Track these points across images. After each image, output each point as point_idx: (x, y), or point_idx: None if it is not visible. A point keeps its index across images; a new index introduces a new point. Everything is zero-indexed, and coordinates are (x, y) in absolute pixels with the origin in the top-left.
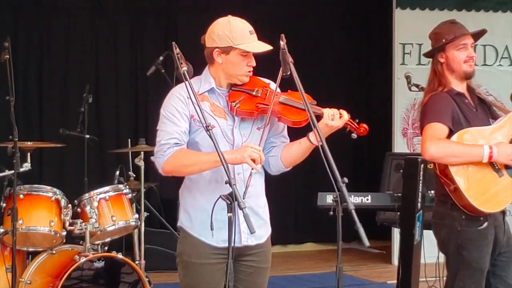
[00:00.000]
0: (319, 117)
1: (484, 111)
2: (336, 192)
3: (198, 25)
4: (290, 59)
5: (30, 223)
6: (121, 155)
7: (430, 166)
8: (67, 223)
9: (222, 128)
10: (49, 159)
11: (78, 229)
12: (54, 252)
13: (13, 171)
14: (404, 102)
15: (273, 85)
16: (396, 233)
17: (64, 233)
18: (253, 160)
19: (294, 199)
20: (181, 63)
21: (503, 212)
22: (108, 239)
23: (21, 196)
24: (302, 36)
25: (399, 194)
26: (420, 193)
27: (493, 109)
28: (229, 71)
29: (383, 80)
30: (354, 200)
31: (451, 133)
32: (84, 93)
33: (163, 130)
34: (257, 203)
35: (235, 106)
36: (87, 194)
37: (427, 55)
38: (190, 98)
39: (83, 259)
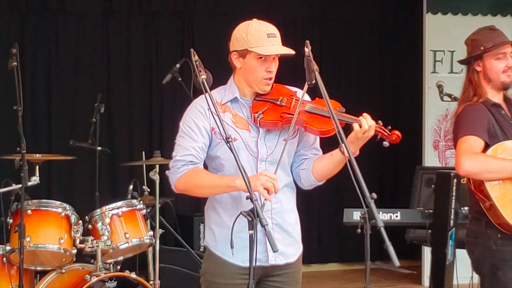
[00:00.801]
0: (348, 126)
1: None
2: (364, 208)
3: (217, 30)
4: (316, 67)
5: (38, 241)
6: (135, 168)
7: (464, 181)
8: (78, 241)
9: (244, 140)
10: (58, 172)
11: (89, 247)
12: (63, 271)
13: (20, 185)
14: (436, 112)
15: (299, 93)
16: (427, 252)
17: (74, 251)
18: (267, 190)
19: (317, 216)
20: (200, 71)
21: None
22: (120, 258)
23: (29, 211)
24: (328, 42)
25: (431, 211)
26: (453, 210)
27: None
28: (247, 77)
29: (413, 89)
30: (383, 217)
31: (486, 147)
32: (95, 102)
33: (180, 145)
34: (285, 219)
35: (258, 117)
36: (98, 210)
37: (462, 62)
38: (210, 109)
39: (94, 279)
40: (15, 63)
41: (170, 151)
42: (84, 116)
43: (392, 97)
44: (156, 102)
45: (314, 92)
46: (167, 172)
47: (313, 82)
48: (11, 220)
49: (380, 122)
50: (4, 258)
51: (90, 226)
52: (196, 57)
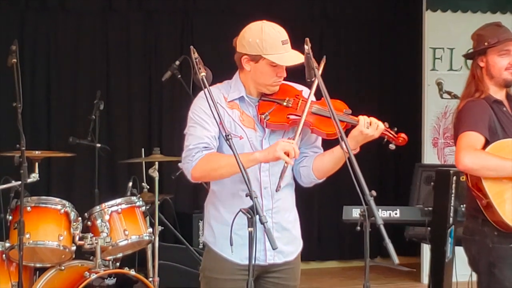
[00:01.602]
0: (354, 127)
1: None
2: (364, 206)
3: (216, 28)
4: (315, 65)
5: (37, 237)
6: (134, 166)
7: (463, 178)
8: (77, 238)
9: (250, 139)
10: (58, 169)
11: (88, 244)
12: (62, 268)
13: (20, 182)
14: (435, 110)
15: (305, 92)
16: (426, 249)
17: (74, 248)
18: (287, 154)
19: (316, 213)
20: (200, 69)
21: None
22: (120, 255)
23: (28, 208)
24: (328, 40)
25: (430, 208)
26: (452, 207)
27: None
28: (257, 80)
29: (412, 87)
30: (382, 214)
31: (487, 143)
32: (95, 99)
33: (191, 134)
34: (285, 217)
35: (265, 118)
36: (98, 207)
37: (467, 56)
38: (210, 107)
39: (93, 276)
40: (15, 60)
41: (170, 148)
42: (84, 113)
43: (392, 94)
44: (156, 99)
45: (318, 92)
46: (179, 164)
47: (313, 79)
48: (10, 217)
49: (386, 124)
50: (4, 255)
51: (89, 223)
52: (196, 55)
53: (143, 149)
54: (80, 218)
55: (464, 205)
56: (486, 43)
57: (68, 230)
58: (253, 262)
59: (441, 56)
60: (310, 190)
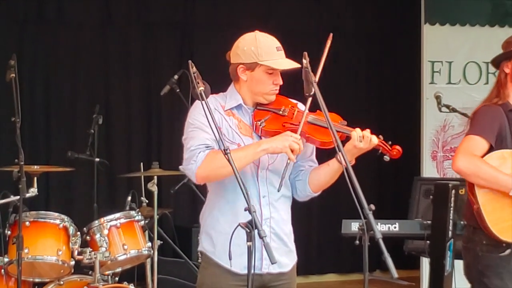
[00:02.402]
0: (348, 138)
1: None
2: (362, 219)
3: (216, 41)
4: (314, 79)
5: (36, 252)
6: (133, 180)
7: (462, 191)
8: (76, 252)
9: None
10: (56, 184)
11: (87, 259)
12: (61, 283)
13: (18, 197)
14: (434, 123)
15: (301, 105)
16: (425, 263)
17: (73, 262)
18: (292, 151)
19: (316, 227)
20: (198, 83)
21: None
22: (119, 269)
23: (27, 223)
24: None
25: (429, 222)
26: (451, 221)
27: None
28: (254, 89)
29: (411, 100)
30: (381, 228)
31: (491, 150)
32: (93, 113)
33: (192, 138)
34: (282, 229)
35: (260, 125)
36: (96, 221)
37: (493, 62)
38: (207, 119)
39: None
40: (13, 75)
41: (169, 163)
42: (82, 127)
43: (391, 107)
44: (155, 113)
45: (314, 105)
46: (181, 167)
47: (311, 93)
48: (9, 232)
49: (381, 136)
50: (2, 270)
51: (88, 237)
52: (194, 69)
53: (142, 163)
54: (79, 233)
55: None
56: None
57: (67, 245)
58: (255, 271)
59: (439, 70)
60: (309, 203)
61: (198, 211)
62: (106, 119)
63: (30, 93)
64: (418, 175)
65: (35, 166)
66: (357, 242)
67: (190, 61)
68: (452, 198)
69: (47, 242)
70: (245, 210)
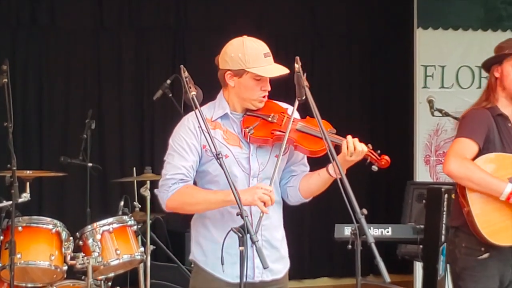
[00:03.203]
0: (338, 147)
1: None
2: (355, 224)
3: (208, 45)
4: (306, 83)
5: (29, 257)
6: (126, 185)
7: (454, 196)
8: (68, 257)
9: (236, 157)
10: (49, 189)
11: (80, 264)
12: None
13: (11, 202)
14: (427, 127)
15: (291, 111)
16: (418, 267)
17: (65, 267)
18: (264, 203)
19: (308, 231)
20: (190, 88)
21: None
22: (111, 274)
23: (20, 228)
24: (319, 57)
25: (422, 226)
26: (444, 225)
27: None
28: (242, 95)
29: (404, 104)
30: (374, 232)
31: (480, 153)
32: (86, 118)
33: (169, 163)
34: (274, 236)
35: (249, 132)
36: (89, 226)
37: (484, 66)
38: (200, 127)
39: None
40: (6, 80)
41: (161, 168)
42: (75, 132)
43: (383, 112)
44: (147, 118)
45: (305, 111)
46: (156, 190)
47: (303, 98)
48: (1, 237)
49: (369, 145)
50: None
51: (81, 242)
52: (186, 74)
53: (134, 168)
54: (71, 238)
55: None
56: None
57: (60, 250)
58: (248, 279)
59: (432, 74)
60: (302, 207)
61: (191, 216)
62: (98, 124)
63: (23, 98)
64: (411, 179)
65: (28, 171)
66: (350, 246)
67: (182, 66)
68: (445, 203)
69: (39, 247)
70: (237, 215)
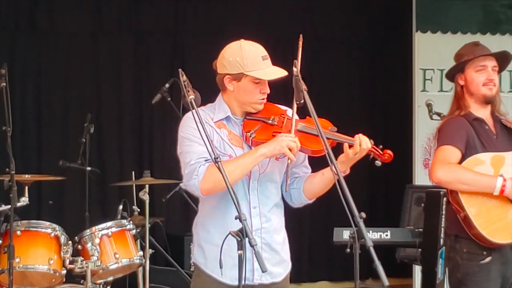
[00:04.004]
0: (340, 145)
1: (508, 139)
2: (353, 227)
3: (207, 48)
4: (304, 87)
5: (27, 261)
6: (125, 189)
7: None
8: (67, 261)
9: None
10: (48, 193)
11: (78, 268)
12: None
13: (9, 206)
14: (426, 131)
15: (290, 112)
16: (417, 271)
17: (64, 271)
18: (290, 150)
19: (307, 234)
20: (188, 91)
21: None
22: (110, 278)
23: (18, 232)
24: (318, 60)
25: (421, 230)
26: (442, 229)
27: None
28: (241, 99)
29: (403, 108)
30: (373, 235)
31: (464, 158)
32: (85, 122)
33: (189, 152)
34: (274, 239)
35: (250, 136)
36: (88, 230)
37: (447, 76)
38: (198, 129)
39: None
40: (4, 84)
41: (160, 171)
42: (74, 136)
43: (382, 116)
44: (146, 122)
45: (304, 112)
46: (182, 185)
47: (302, 101)
48: (0, 241)
49: (372, 141)
50: None
51: (79, 246)
52: (184, 77)
53: (133, 172)
54: (70, 242)
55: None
56: (463, 61)
57: (59, 254)
58: (247, 282)
59: (431, 77)
60: (301, 211)
61: (190, 219)
62: (97, 128)
63: (22, 102)
64: (410, 182)
65: (26, 175)
66: (348, 250)
67: (180, 70)
68: (444, 206)
69: (38, 251)
70: (236, 218)
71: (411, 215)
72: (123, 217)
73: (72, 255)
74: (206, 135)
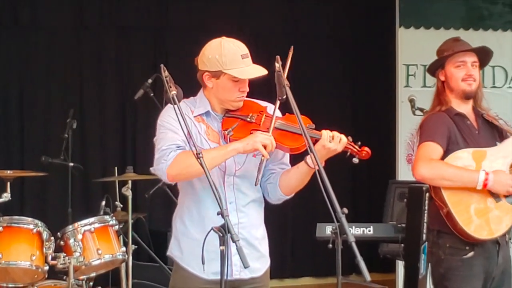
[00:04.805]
0: (317, 142)
1: (490, 134)
2: (335, 223)
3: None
4: (286, 82)
5: (10, 258)
6: (107, 184)
7: None
8: (50, 257)
9: None
10: (30, 188)
11: (61, 264)
12: None
13: None
14: (409, 126)
15: (270, 109)
16: (400, 266)
17: (47, 267)
18: (265, 147)
19: (291, 230)
20: (170, 87)
21: (498, 243)
22: (93, 274)
23: (0, 228)
24: (299, 56)
25: (403, 225)
26: (425, 224)
27: (505, 134)
28: (220, 96)
29: (386, 103)
30: (356, 231)
31: (446, 154)
32: (67, 118)
33: (163, 138)
34: (252, 234)
35: (228, 134)
36: (70, 226)
37: (429, 71)
38: (179, 123)
39: None
40: None
41: (143, 167)
42: (56, 132)
43: (365, 111)
44: (129, 117)
45: (285, 108)
46: (151, 168)
47: (284, 97)
48: None
49: (350, 138)
50: None
51: (62, 242)
52: (166, 73)
53: (116, 168)
54: (52, 238)
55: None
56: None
57: (41, 250)
58: (226, 278)
59: (414, 73)
60: (284, 206)
61: (173, 215)
62: (80, 123)
63: (4, 98)
64: (393, 178)
65: (8, 171)
66: (330, 246)
67: (162, 65)
68: (426, 201)
69: (20, 247)
70: (218, 214)
71: (394, 211)
72: (105, 213)
73: (55, 251)
74: (187, 127)
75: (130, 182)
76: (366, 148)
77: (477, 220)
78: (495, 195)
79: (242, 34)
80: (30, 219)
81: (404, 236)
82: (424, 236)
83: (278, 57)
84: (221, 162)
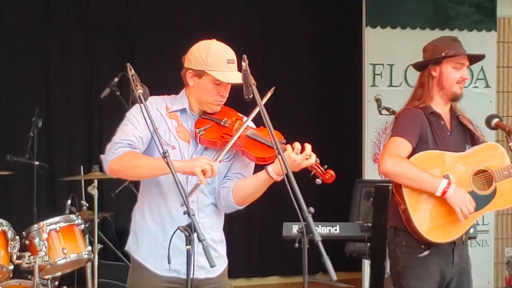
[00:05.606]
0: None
1: (461, 137)
2: (302, 222)
3: (157, 43)
4: (253, 81)
5: None
6: (73, 183)
7: None
8: (14, 256)
9: (182, 151)
10: None
11: (26, 263)
12: (0, 287)
13: None
14: (375, 125)
15: (248, 123)
16: (366, 265)
17: (11, 267)
18: (204, 173)
19: (258, 229)
20: (137, 86)
21: (453, 242)
22: (58, 273)
23: None
24: (269, 56)
25: (369, 224)
26: None
27: (477, 139)
28: (199, 96)
29: (353, 103)
30: (322, 230)
31: (414, 152)
32: (33, 116)
33: (121, 131)
34: (211, 235)
35: (199, 133)
36: (36, 225)
37: (417, 65)
38: (146, 122)
39: None
40: None
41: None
42: (22, 130)
43: (332, 110)
44: (95, 116)
45: (260, 121)
46: (101, 156)
47: (251, 96)
48: None
49: (317, 159)
50: None
51: (27, 241)
52: (133, 72)
53: (82, 167)
54: (17, 237)
55: None
56: (443, 54)
57: (5, 249)
58: (188, 276)
59: (381, 72)
60: (251, 205)
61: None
62: (46, 122)
63: None
64: (360, 177)
65: None
66: (297, 245)
67: (128, 64)
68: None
69: None
70: (184, 213)
71: (360, 210)
72: (71, 212)
73: (20, 250)
74: (153, 125)
75: (96, 181)
76: (331, 172)
77: (432, 222)
78: None
79: (210, 34)
80: None
81: (370, 235)
82: None
83: (244, 56)
84: (157, 175)
